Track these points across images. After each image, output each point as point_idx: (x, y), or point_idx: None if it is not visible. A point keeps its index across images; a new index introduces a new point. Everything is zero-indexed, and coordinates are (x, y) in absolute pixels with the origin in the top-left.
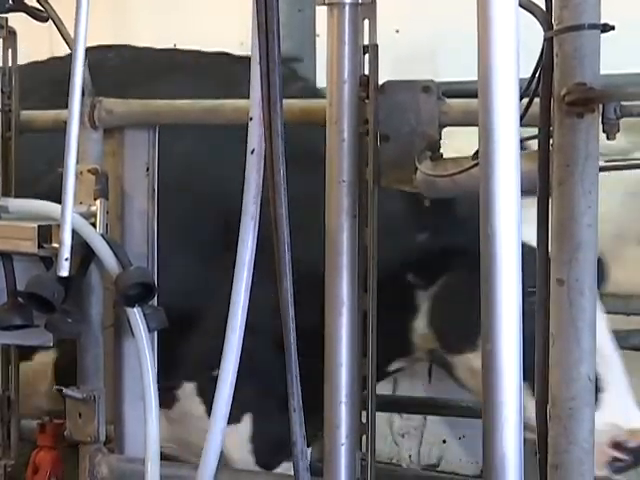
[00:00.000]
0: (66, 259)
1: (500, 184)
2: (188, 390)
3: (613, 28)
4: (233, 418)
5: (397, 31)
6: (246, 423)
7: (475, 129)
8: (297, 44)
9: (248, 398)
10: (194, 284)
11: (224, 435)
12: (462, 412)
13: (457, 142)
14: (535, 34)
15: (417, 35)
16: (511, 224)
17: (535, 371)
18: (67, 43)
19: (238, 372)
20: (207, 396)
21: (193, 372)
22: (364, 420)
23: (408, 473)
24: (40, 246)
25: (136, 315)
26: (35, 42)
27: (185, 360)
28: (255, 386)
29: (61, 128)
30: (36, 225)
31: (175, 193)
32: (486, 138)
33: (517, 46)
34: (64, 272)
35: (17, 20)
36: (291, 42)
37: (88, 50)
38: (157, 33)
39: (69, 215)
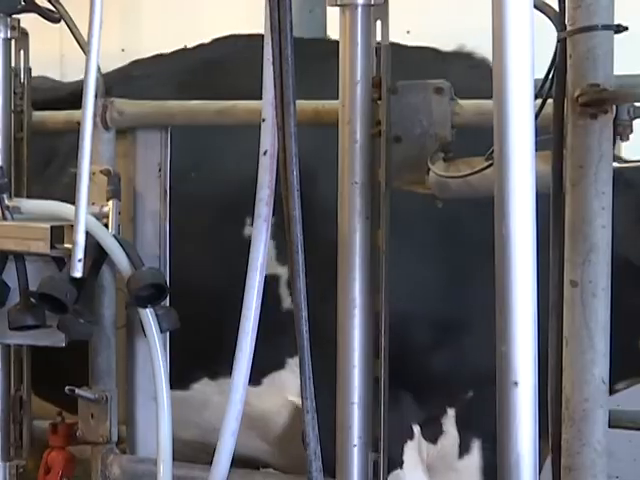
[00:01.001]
0: (79, 260)
1: (515, 184)
2: (450, 417)
3: (626, 29)
4: (464, 448)
5: (408, 32)
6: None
7: None
8: None
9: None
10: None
11: (237, 436)
12: None
13: None
14: (548, 35)
15: (428, 36)
16: (526, 225)
17: (549, 373)
18: (79, 44)
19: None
20: (462, 425)
21: (453, 396)
22: None
23: None
24: (53, 247)
25: (148, 316)
26: (45, 43)
27: (446, 381)
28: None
29: (73, 129)
30: (49, 226)
31: None
32: (501, 139)
33: (532, 47)
34: (77, 273)
35: (27, 21)
36: None
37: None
38: (165, 34)
39: (83, 216)
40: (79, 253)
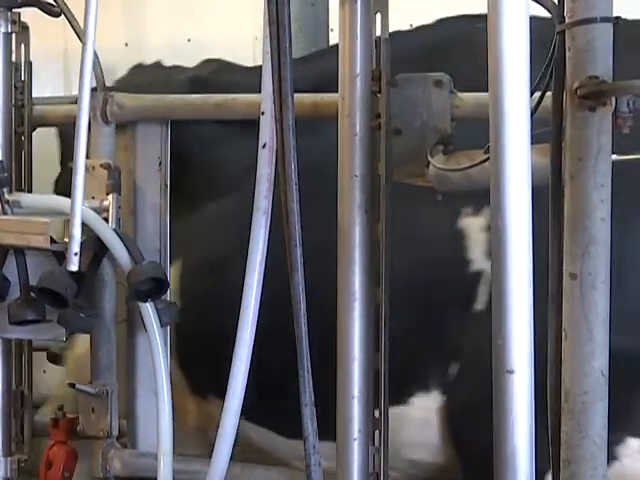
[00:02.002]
0: (75, 254)
1: (511, 177)
2: (634, 447)
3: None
4: None
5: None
6: None
7: None
8: (310, 38)
9: None
10: None
11: (236, 429)
12: None
13: None
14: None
15: None
16: (522, 217)
17: (548, 365)
18: (79, 37)
19: None
20: None
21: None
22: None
23: None
24: (52, 241)
25: (148, 310)
26: (48, 37)
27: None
28: None
29: (73, 123)
30: (49, 220)
31: None
32: (496, 132)
33: (528, 39)
34: (73, 267)
35: (29, 15)
36: (304, 36)
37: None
38: (169, 28)
39: (79, 209)
40: (75, 247)
